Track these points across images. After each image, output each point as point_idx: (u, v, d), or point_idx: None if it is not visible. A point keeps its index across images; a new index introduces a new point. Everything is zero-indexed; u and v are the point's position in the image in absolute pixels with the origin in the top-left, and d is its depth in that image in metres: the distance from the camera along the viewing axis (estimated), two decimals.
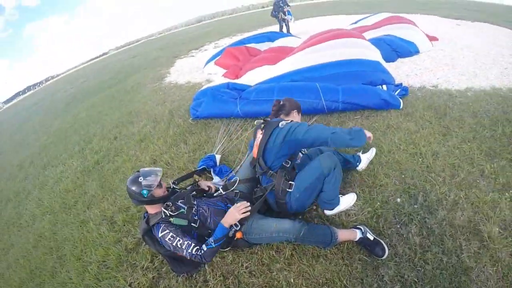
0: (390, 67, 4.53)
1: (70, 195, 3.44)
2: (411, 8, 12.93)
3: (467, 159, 2.39)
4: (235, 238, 1.78)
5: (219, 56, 6.54)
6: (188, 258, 1.63)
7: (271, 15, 9.84)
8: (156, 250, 1.79)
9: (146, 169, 1.75)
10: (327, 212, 2.00)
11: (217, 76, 5.68)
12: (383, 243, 1.74)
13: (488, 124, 2.87)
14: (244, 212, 1.70)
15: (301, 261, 1.77)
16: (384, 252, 1.70)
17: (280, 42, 6.24)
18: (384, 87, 3.55)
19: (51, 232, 3.01)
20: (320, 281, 1.68)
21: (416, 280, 1.58)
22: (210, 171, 2.68)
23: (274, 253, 1.84)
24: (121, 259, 2.23)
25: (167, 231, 1.64)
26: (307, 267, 1.75)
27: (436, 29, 7.79)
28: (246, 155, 2.67)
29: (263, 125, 1.92)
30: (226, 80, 4.56)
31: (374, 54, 4.12)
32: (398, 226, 1.88)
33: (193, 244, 1.61)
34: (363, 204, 2.06)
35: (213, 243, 1.62)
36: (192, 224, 1.71)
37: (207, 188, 2.14)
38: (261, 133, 1.88)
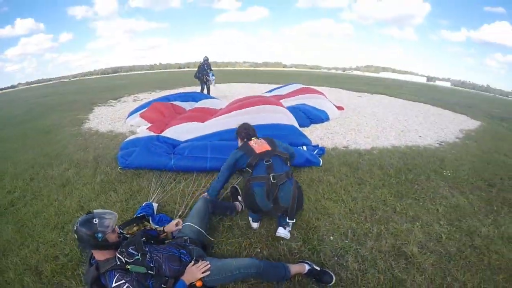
0: (305, 131, 6.54)
1: None
2: (318, 81, 17.34)
3: (380, 201, 3.79)
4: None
5: (145, 109, 8.26)
6: None
7: (194, 77, 13.26)
8: None
9: (100, 210, 2.09)
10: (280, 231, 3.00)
11: (140, 129, 7.14)
12: (329, 271, 2.57)
13: (394, 173, 4.49)
14: (204, 272, 2.26)
15: None
16: (332, 278, 2.51)
17: (203, 103, 8.58)
18: (305, 148, 5.18)
19: None
20: None
21: None
22: (149, 219, 3.11)
23: None
24: None
25: (123, 281, 1.94)
26: None
27: (342, 100, 10.82)
28: (183, 205, 3.52)
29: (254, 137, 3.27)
30: (152, 133, 5.96)
31: (291, 120, 5.78)
32: (336, 258, 2.77)
33: None
34: (303, 244, 2.91)
35: None
36: (149, 271, 2.09)
37: (161, 232, 2.60)
38: (262, 141, 3.17)
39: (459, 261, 2.80)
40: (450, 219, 3.53)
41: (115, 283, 1.93)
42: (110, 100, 13.89)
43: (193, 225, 2.82)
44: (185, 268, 2.29)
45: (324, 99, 9.27)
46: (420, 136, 7.28)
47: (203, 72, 12.85)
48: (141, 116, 7.94)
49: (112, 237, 2.07)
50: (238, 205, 3.52)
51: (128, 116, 8.81)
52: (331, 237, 3.04)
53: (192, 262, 2.34)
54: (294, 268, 2.52)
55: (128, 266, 2.02)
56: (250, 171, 2.97)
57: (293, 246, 2.92)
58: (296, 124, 6.08)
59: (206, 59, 12.95)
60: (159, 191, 3.94)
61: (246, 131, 3.40)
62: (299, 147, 5.09)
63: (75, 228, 2.00)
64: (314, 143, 5.84)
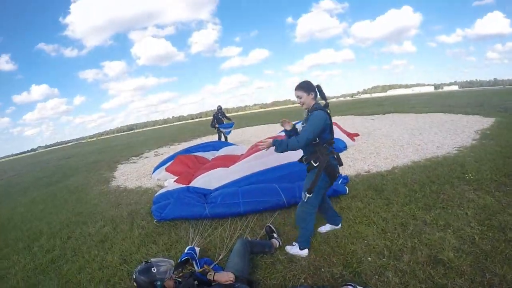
0: None
1: None
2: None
3: (410, 216, 3.97)
4: None
5: (169, 163, 8.80)
6: None
7: (211, 126, 14.19)
8: None
9: (156, 259, 2.32)
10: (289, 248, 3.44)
11: (168, 182, 7.52)
12: None
13: (418, 188, 4.71)
14: None
15: None
16: None
17: (224, 151, 9.17)
18: None
19: None
20: None
21: None
22: (193, 263, 3.35)
23: None
24: None
25: None
26: None
27: (355, 125, 11.14)
28: (224, 249, 3.75)
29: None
30: (180, 185, 6.36)
31: None
32: (377, 276, 2.94)
33: None
34: (343, 268, 3.12)
35: None
36: None
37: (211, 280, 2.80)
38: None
39: (495, 257, 2.91)
40: (480, 219, 3.65)
41: None
42: (132, 157, 14.84)
43: (236, 264, 3.03)
44: None
45: (337, 129, 9.63)
46: (438, 147, 7.47)
47: (219, 120, 13.83)
48: (167, 170, 8.42)
49: (169, 284, 2.28)
50: (275, 242, 3.74)
51: (154, 171, 9.30)
52: (369, 258, 3.21)
53: None
54: None
55: None
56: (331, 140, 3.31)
57: (335, 271, 3.10)
58: None
59: (219, 108, 14.03)
60: (198, 237, 4.17)
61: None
62: None
63: (134, 277, 2.21)
64: None
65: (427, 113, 14.56)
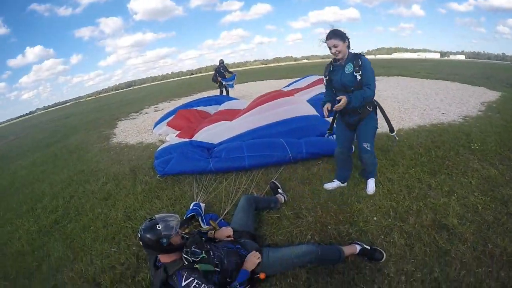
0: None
1: (29, 258, 3.70)
2: None
3: (415, 179, 3.97)
4: (259, 280, 2.47)
5: (171, 118, 8.70)
6: None
7: (212, 80, 13.92)
8: None
9: (161, 215, 2.24)
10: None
11: (170, 137, 7.52)
12: (379, 248, 2.78)
13: (424, 152, 4.70)
14: (258, 258, 2.50)
15: (317, 281, 2.60)
16: (382, 255, 2.72)
17: (227, 105, 9.02)
18: (334, 136, 5.19)
19: None
20: None
21: (414, 268, 2.60)
22: (199, 219, 3.39)
23: (291, 281, 2.62)
24: None
25: (191, 278, 2.12)
26: (324, 285, 2.58)
27: None
28: (229, 204, 3.78)
29: None
30: (182, 140, 6.31)
31: (313, 111, 6.00)
32: (383, 236, 2.98)
33: None
34: (350, 226, 3.17)
35: (238, 286, 2.29)
36: (216, 268, 2.29)
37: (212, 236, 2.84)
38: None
39: (497, 228, 2.95)
40: (484, 190, 3.66)
41: (184, 281, 2.09)
42: (132, 114, 14.59)
43: (240, 219, 3.08)
44: (244, 260, 2.50)
45: None
46: (443, 113, 7.37)
47: (221, 74, 13.51)
48: (169, 125, 8.37)
49: (176, 240, 2.21)
50: (281, 197, 3.76)
51: (155, 126, 9.21)
52: (375, 218, 3.25)
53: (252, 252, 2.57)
54: (347, 250, 2.72)
55: (197, 265, 2.19)
56: None
57: (342, 229, 3.14)
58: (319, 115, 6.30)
59: (221, 62, 13.66)
60: (203, 193, 4.18)
61: None
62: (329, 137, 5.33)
63: (139, 235, 2.14)
64: None
65: (433, 79, 14.30)
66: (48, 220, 4.51)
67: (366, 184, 3.84)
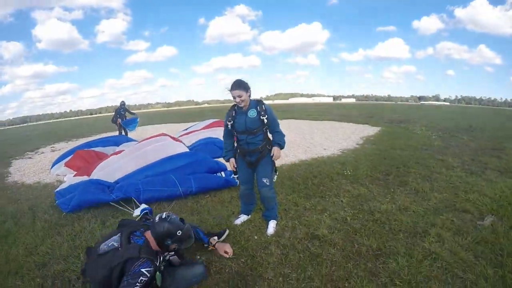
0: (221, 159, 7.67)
1: None
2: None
3: (292, 203, 4.96)
4: None
5: (69, 158, 9.07)
6: None
7: (111, 121, 14.89)
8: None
9: (190, 227, 2.97)
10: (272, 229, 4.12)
11: (68, 177, 7.67)
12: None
13: (301, 181, 5.74)
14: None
15: None
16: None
17: (125, 146, 9.63)
18: (223, 173, 6.39)
19: None
20: None
21: (290, 271, 3.32)
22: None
23: None
24: None
25: (148, 274, 2.56)
26: None
27: None
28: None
29: None
30: (81, 178, 6.90)
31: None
32: (262, 250, 3.69)
33: None
34: (233, 245, 3.74)
35: None
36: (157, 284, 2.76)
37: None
38: None
39: (364, 232, 3.92)
40: (354, 205, 4.75)
41: (143, 269, 2.55)
42: (27, 152, 14.49)
43: None
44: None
45: None
46: (325, 149, 8.87)
47: (121, 116, 14.58)
48: (66, 165, 8.64)
49: (172, 247, 2.86)
50: None
51: (52, 166, 9.43)
52: (255, 236, 3.95)
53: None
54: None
55: (158, 272, 2.69)
56: None
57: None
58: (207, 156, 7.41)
59: (123, 103, 14.82)
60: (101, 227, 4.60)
61: None
62: (218, 174, 6.36)
63: (159, 216, 2.86)
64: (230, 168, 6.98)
65: (322, 120, 16.55)
66: None
67: (268, 226, 4.26)
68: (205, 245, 3.71)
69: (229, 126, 4.04)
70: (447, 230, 3.96)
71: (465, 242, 3.67)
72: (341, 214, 4.43)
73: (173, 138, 8.56)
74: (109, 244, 2.78)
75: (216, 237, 3.74)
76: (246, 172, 4.23)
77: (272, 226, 4.20)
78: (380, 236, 3.83)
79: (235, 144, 4.20)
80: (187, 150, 7.65)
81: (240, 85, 3.80)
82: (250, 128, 3.91)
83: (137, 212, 4.70)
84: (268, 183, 4.08)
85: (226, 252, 3.52)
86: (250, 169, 4.18)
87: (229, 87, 3.83)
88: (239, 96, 3.78)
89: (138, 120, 15.17)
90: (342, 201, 4.94)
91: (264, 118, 3.89)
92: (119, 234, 2.86)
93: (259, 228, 4.19)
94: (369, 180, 5.84)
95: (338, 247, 3.62)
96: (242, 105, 3.86)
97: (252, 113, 3.90)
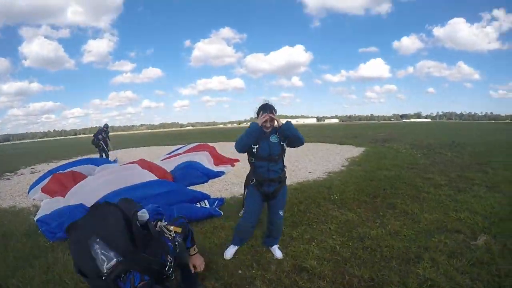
0: (204, 186, 7.92)
1: None
2: (215, 137, 19.67)
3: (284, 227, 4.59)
4: None
5: (45, 182, 8.94)
6: None
7: (92, 143, 15.15)
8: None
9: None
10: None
11: (45, 202, 7.56)
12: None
13: (287, 208, 5.50)
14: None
15: None
16: None
17: (105, 168, 9.82)
18: (206, 202, 6.24)
19: None
20: None
21: None
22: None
23: None
24: None
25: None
26: None
27: (235, 152, 12.33)
28: None
29: None
30: (56, 201, 7.04)
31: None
32: (247, 286, 3.45)
33: None
34: (216, 281, 3.53)
35: None
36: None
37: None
38: None
39: (354, 261, 3.74)
40: (342, 232, 4.58)
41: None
42: (6, 173, 14.24)
43: None
44: None
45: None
46: (310, 172, 8.77)
47: (102, 137, 15.07)
48: (43, 191, 8.38)
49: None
50: None
51: (30, 190, 9.22)
52: (240, 271, 3.71)
53: None
54: None
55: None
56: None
57: (208, 285, 3.48)
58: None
59: (106, 126, 15.41)
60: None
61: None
62: (199, 203, 6.24)
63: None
64: (213, 196, 6.90)
65: (306, 142, 16.54)
66: None
67: (273, 251, 4.15)
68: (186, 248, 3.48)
69: (254, 150, 3.80)
70: (440, 254, 3.83)
71: (460, 265, 3.55)
72: (330, 243, 4.25)
73: (144, 166, 8.54)
74: None
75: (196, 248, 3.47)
76: (257, 205, 3.95)
77: (278, 249, 4.12)
78: (372, 265, 3.65)
79: (250, 173, 3.96)
80: (155, 178, 7.50)
81: (273, 108, 3.77)
82: (274, 154, 3.76)
83: None
84: (282, 214, 4.04)
85: (194, 267, 3.19)
86: (262, 203, 3.96)
87: (256, 109, 3.84)
88: (271, 121, 3.72)
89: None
90: (330, 228, 4.76)
91: (284, 144, 3.80)
92: None
93: (243, 261, 3.96)
94: (356, 204, 5.71)
95: (328, 280, 3.43)
96: (269, 130, 3.77)
97: (274, 138, 3.77)
